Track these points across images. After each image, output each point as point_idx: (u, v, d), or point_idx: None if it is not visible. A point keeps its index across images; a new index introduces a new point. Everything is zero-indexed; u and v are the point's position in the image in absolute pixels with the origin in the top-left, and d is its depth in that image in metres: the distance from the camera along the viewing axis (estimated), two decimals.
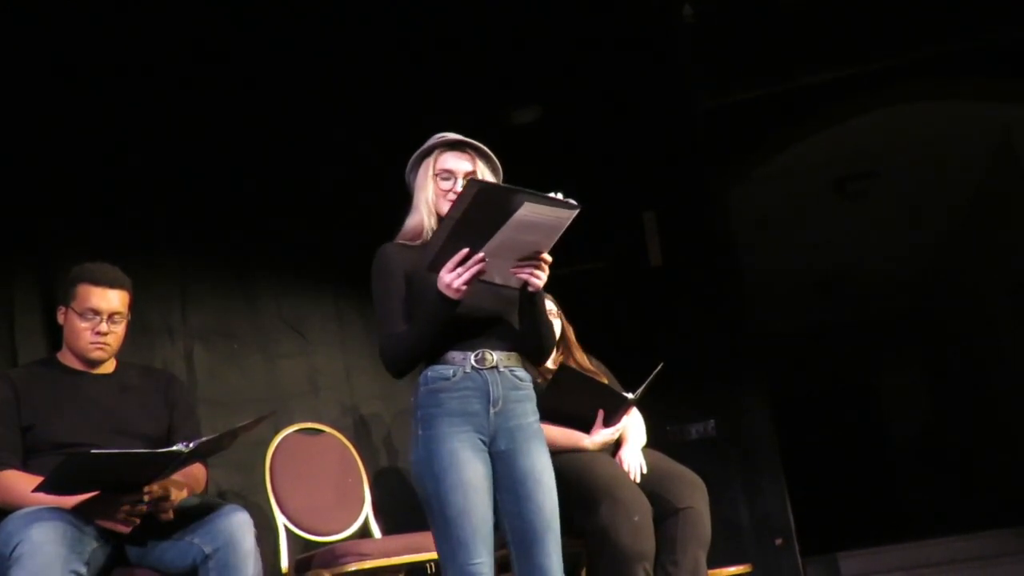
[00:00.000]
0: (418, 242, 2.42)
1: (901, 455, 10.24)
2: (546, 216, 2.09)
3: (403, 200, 2.56)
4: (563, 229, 2.15)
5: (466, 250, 2.14)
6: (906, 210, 7.41)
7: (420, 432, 2.30)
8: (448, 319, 2.24)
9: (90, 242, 3.60)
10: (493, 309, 2.35)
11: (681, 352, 4.22)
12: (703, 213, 4.93)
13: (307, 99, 4.40)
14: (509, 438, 2.33)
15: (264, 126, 4.24)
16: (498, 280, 2.24)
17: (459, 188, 2.40)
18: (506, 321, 2.38)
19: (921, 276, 9.14)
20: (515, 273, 2.23)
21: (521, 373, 2.40)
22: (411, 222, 2.47)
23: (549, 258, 2.23)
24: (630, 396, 3.25)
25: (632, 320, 4.69)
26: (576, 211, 2.11)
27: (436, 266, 2.17)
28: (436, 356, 2.32)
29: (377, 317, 2.39)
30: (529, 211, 2.06)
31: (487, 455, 2.30)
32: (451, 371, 2.30)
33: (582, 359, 3.52)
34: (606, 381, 3.41)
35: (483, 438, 2.30)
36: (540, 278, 2.25)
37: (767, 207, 6.67)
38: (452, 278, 2.16)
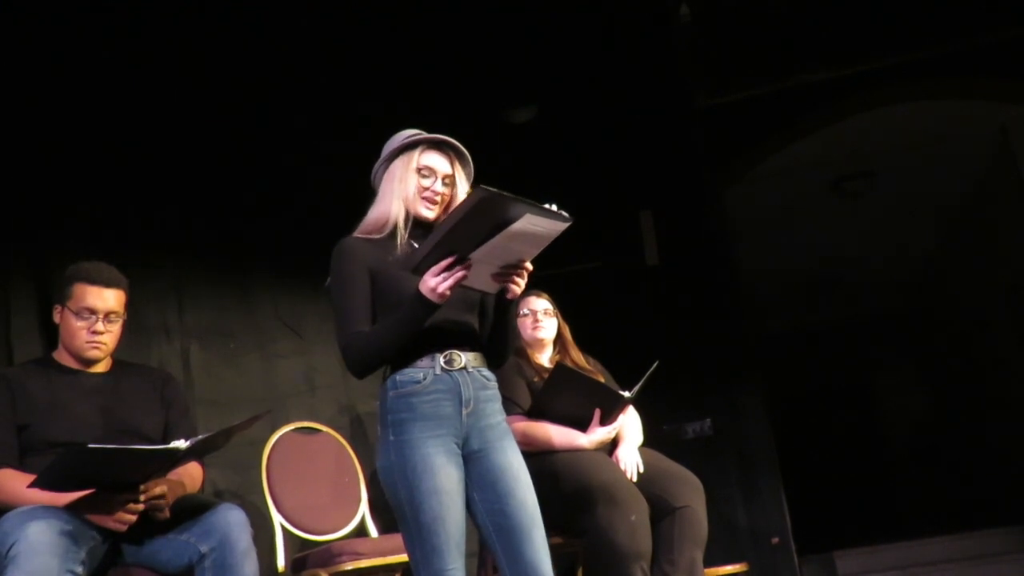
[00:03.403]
0: (380, 235, 2.39)
1: (897, 454, 10.24)
2: (541, 227, 2.06)
3: None
4: (551, 240, 2.12)
5: (454, 256, 2.10)
6: (903, 210, 7.42)
7: (391, 437, 2.25)
8: (425, 322, 2.20)
9: (86, 241, 3.60)
10: (457, 310, 2.32)
11: (677, 351, 4.23)
12: (699, 212, 4.92)
13: (305, 99, 4.39)
14: (481, 438, 2.30)
15: (262, 126, 4.24)
16: (476, 285, 2.21)
17: (438, 187, 2.39)
18: (469, 322, 2.37)
19: (917, 276, 9.15)
20: (496, 280, 2.20)
21: (487, 373, 2.37)
22: (376, 213, 2.42)
23: (530, 267, 2.21)
24: (627, 395, 3.26)
25: (628, 319, 4.68)
26: (568, 223, 2.09)
27: (422, 269, 2.13)
28: (403, 359, 2.27)
29: (337, 314, 2.33)
30: (527, 222, 2.03)
31: (460, 458, 2.27)
32: (421, 374, 2.26)
33: (578, 358, 3.52)
34: (602, 380, 3.42)
35: (457, 440, 2.27)
36: (520, 286, 2.23)
37: (764, 207, 6.68)
38: (438, 282, 2.12)
